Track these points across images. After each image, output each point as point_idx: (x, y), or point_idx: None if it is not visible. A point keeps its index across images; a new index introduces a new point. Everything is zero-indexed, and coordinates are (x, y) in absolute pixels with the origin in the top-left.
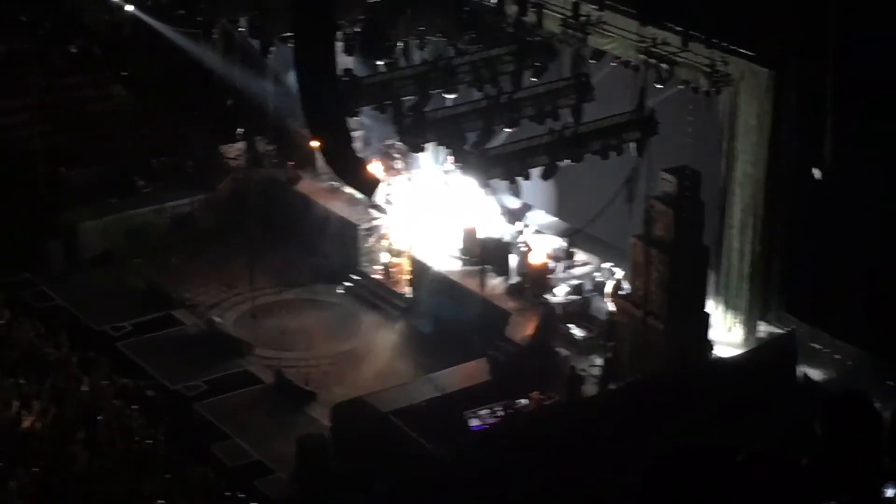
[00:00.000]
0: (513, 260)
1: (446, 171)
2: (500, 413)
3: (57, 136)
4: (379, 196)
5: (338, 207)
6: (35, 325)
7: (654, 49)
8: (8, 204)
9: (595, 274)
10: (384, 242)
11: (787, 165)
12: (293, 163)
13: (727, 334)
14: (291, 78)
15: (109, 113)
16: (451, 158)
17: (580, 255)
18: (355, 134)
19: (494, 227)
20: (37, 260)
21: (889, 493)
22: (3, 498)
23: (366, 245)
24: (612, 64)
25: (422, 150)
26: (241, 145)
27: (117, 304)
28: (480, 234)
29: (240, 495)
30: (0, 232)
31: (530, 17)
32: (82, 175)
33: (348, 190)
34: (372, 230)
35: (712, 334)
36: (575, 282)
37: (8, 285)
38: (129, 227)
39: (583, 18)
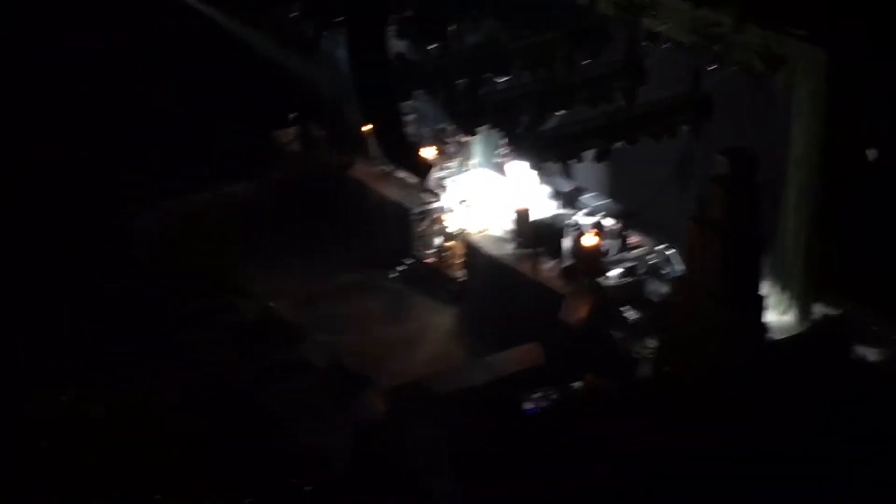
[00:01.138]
0: (566, 242)
1: (499, 155)
2: (554, 397)
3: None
4: (432, 180)
5: (390, 192)
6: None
7: (707, 30)
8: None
9: (649, 256)
10: (437, 227)
11: (843, 147)
12: (346, 148)
13: (782, 316)
14: (344, 62)
15: (163, 101)
16: (504, 142)
17: (634, 237)
18: (408, 118)
19: (547, 210)
20: (97, 252)
21: None
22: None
23: (419, 229)
24: (665, 46)
25: (475, 133)
26: (294, 130)
27: (173, 292)
28: (533, 217)
29: (296, 482)
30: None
31: (583, 0)
32: (138, 163)
33: (401, 174)
34: (425, 214)
35: (767, 316)
36: (629, 264)
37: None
38: (186, 212)
39: (636, 1)
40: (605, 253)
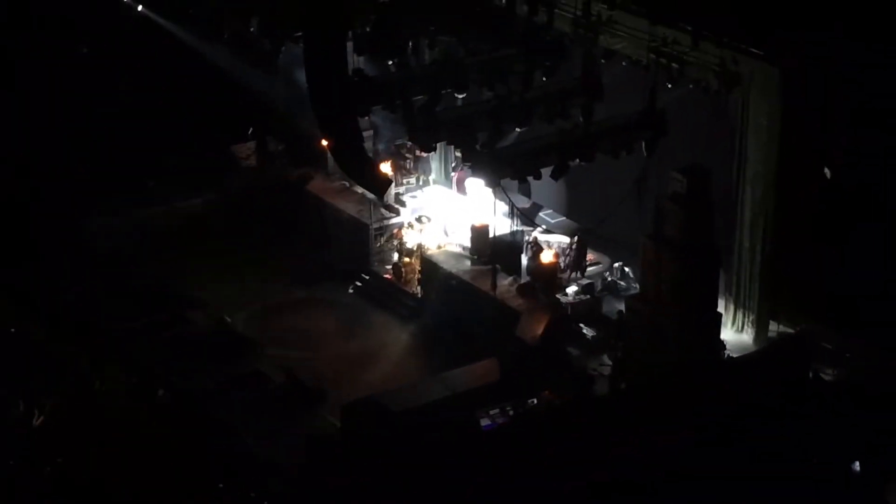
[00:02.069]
0: (523, 259)
1: (453, 170)
2: (511, 413)
3: (66, 134)
4: (389, 196)
5: (348, 207)
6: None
7: (664, 48)
8: (18, 201)
9: (605, 273)
10: (395, 242)
11: (798, 165)
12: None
13: (738, 334)
14: (302, 77)
15: (119, 111)
16: (461, 158)
17: (590, 255)
18: (366, 133)
19: (504, 227)
20: (48, 258)
21: None
22: (13, 497)
23: (376, 245)
24: (622, 64)
25: (433, 149)
26: (251, 144)
27: (127, 303)
28: (491, 234)
29: (250, 494)
30: (10, 230)
31: (541, 17)
32: (92, 173)
33: (359, 189)
34: (383, 230)
35: (724, 334)
36: (585, 281)
37: (16, 284)
38: (139, 225)
39: (593, 18)
40: (562, 270)
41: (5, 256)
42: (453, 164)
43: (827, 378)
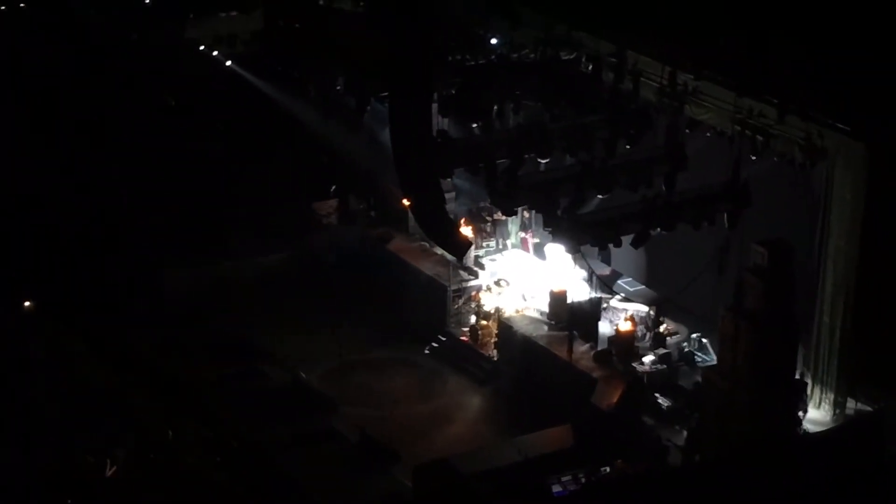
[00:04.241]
0: (601, 326)
1: (535, 236)
2: (583, 480)
3: (149, 185)
4: (469, 258)
5: (427, 268)
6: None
7: (749, 120)
8: (100, 250)
9: (683, 344)
10: (472, 304)
11: (881, 241)
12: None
13: (815, 410)
14: (386, 136)
15: (203, 164)
16: (542, 223)
17: (668, 324)
18: (448, 195)
19: (583, 293)
20: (125, 308)
21: None
22: None
23: (454, 306)
24: (707, 134)
25: (514, 213)
26: (333, 202)
27: (203, 356)
28: (569, 299)
29: None
30: (90, 278)
31: (626, 85)
32: (174, 225)
33: (439, 251)
34: (461, 291)
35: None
36: (662, 351)
37: (92, 332)
38: (218, 279)
39: (679, 88)
40: (640, 338)
41: (85, 304)
42: (521, 226)
43: None
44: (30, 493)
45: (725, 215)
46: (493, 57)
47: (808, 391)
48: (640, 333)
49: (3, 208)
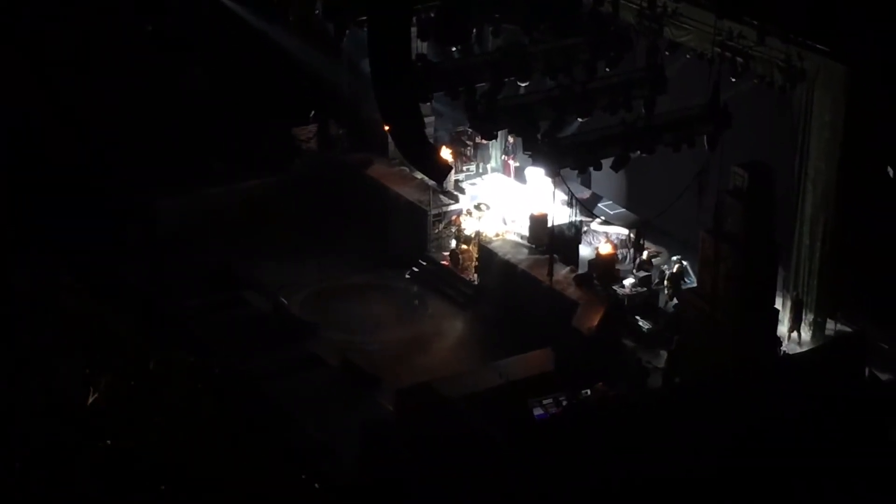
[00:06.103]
0: (581, 249)
1: (516, 160)
2: (564, 403)
3: (133, 115)
4: (449, 182)
5: (407, 192)
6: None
7: (729, 42)
8: (85, 181)
9: (663, 266)
10: (453, 228)
11: (860, 163)
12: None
13: (795, 332)
14: (365, 62)
15: (186, 92)
16: (522, 147)
17: (650, 247)
18: (427, 120)
19: (563, 216)
20: (113, 237)
21: None
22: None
23: (434, 231)
24: (686, 56)
25: (493, 137)
26: (312, 127)
27: (188, 284)
28: (549, 223)
29: (303, 477)
30: (75, 209)
31: (606, 7)
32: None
33: (419, 175)
34: (441, 216)
35: (780, 331)
36: (643, 273)
37: (80, 262)
38: (202, 206)
39: (659, 10)
40: (620, 261)
41: (71, 235)
42: (503, 150)
43: (883, 378)
44: (14, 422)
45: (705, 138)
46: None
47: (789, 313)
48: (620, 256)
49: None
